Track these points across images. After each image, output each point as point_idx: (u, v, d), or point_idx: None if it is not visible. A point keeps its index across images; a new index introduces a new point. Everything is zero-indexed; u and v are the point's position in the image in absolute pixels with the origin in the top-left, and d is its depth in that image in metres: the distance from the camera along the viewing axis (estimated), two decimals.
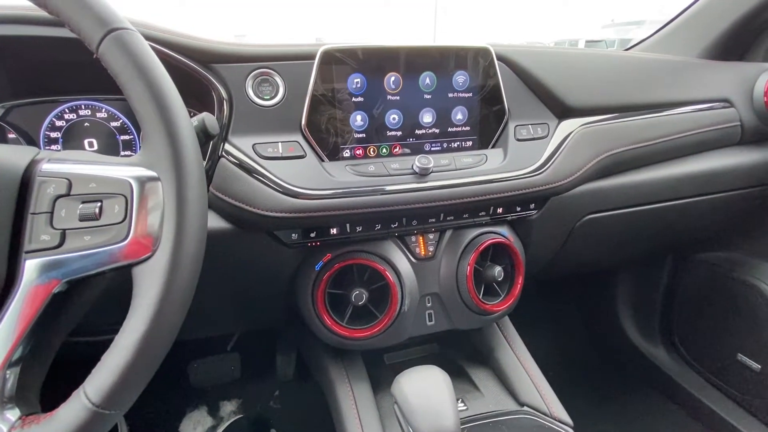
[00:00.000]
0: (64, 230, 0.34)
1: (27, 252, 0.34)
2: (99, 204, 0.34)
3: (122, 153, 0.71)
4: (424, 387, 0.51)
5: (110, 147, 0.70)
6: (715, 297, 1.12)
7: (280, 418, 1.20)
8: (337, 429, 0.68)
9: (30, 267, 0.34)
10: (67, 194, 0.34)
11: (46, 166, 0.36)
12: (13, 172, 0.35)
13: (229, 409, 1.23)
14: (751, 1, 0.89)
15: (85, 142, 0.69)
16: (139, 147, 0.71)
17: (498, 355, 0.78)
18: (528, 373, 0.73)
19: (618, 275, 1.31)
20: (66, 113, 0.68)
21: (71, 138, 0.68)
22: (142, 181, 0.35)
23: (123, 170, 0.36)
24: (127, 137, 0.71)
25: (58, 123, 0.68)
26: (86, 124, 0.69)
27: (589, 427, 1.05)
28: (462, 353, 0.83)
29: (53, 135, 0.68)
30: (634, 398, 1.26)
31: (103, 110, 0.69)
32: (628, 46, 1.17)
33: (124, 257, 0.34)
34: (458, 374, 0.78)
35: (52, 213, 0.34)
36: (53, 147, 0.68)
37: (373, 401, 0.69)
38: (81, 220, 0.34)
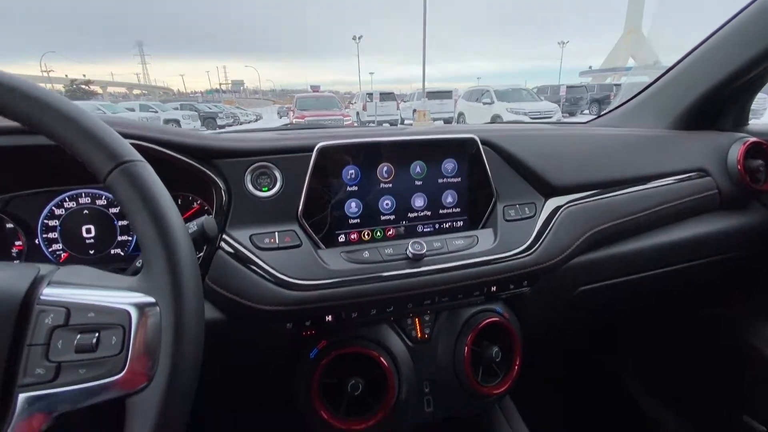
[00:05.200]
0: (60, 363, 0.33)
1: (20, 386, 0.33)
2: (96, 335, 0.34)
3: (119, 238, 0.71)
4: None
5: (108, 232, 0.71)
6: (719, 356, 1.11)
7: None
8: None
9: (22, 401, 0.33)
10: (65, 324, 0.34)
11: (45, 292, 0.36)
12: (11, 302, 0.34)
13: None
14: (718, 74, 0.93)
15: (83, 228, 0.70)
16: None
17: None
18: None
19: (619, 336, 1.30)
20: (66, 201, 0.69)
21: (69, 225, 0.69)
22: (141, 308, 0.36)
23: (122, 296, 0.36)
24: (125, 222, 0.72)
25: (57, 211, 0.69)
26: (85, 211, 0.70)
27: None
28: None
29: (51, 223, 0.69)
30: None
31: (103, 197, 0.71)
32: (602, 113, 1.24)
33: (119, 389, 0.34)
34: None
35: (48, 345, 0.34)
36: (50, 234, 0.69)
37: None
38: (77, 352, 0.34)
